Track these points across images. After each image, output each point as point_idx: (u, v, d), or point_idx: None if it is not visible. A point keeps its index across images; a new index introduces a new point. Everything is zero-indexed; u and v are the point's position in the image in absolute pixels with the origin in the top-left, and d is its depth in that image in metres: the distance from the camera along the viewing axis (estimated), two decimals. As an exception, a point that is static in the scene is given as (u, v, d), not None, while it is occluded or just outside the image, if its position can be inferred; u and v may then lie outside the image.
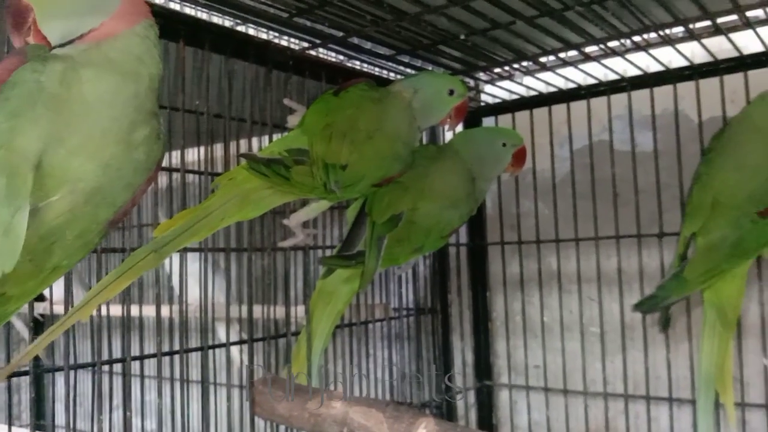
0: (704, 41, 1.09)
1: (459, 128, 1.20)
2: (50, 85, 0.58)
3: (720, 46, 1.12)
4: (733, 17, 1.03)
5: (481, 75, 1.30)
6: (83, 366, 0.99)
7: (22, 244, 0.56)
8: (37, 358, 0.89)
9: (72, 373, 0.89)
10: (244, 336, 1.11)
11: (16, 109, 0.57)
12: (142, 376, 1.15)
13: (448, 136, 1.28)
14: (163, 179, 0.98)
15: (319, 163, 0.92)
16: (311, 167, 0.92)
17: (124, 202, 0.65)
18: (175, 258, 0.93)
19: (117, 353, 1.00)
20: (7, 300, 0.64)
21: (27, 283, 0.64)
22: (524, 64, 1.22)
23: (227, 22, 1.04)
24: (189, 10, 0.98)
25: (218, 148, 1.03)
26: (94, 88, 0.60)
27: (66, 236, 0.62)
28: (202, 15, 1.00)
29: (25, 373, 0.86)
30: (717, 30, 1.06)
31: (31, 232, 0.57)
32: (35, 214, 0.58)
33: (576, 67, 1.21)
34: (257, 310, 1.04)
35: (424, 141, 1.41)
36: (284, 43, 1.11)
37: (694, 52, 1.15)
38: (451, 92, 1.03)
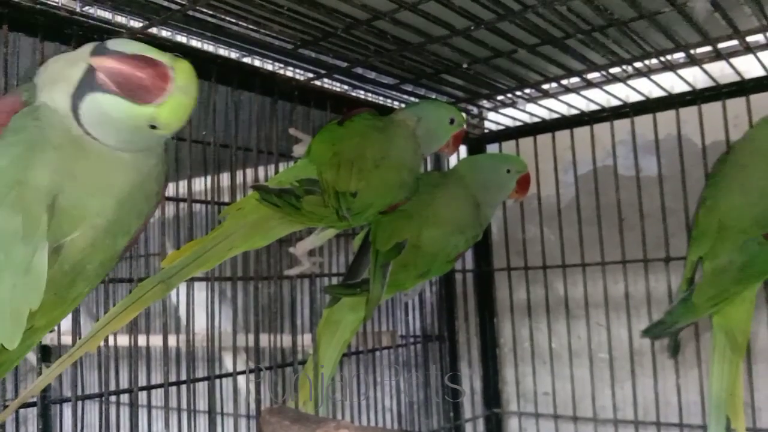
0: (706, 66, 1.10)
1: (462, 154, 1.20)
2: (50, 132, 0.59)
3: (722, 71, 1.13)
4: (734, 42, 1.04)
5: (484, 102, 1.32)
6: (91, 397, 0.99)
7: (45, 281, 0.57)
8: (45, 389, 0.89)
9: (80, 403, 0.89)
10: (251, 365, 1.11)
11: (24, 152, 0.58)
12: (149, 407, 1.14)
13: (452, 162, 1.28)
14: (170, 209, 0.99)
15: (330, 191, 0.92)
16: (323, 196, 0.92)
17: (137, 229, 0.68)
18: (182, 287, 0.93)
19: (124, 384, 0.99)
20: (35, 331, 0.66)
21: (52, 313, 0.66)
22: (527, 91, 1.23)
23: (233, 54, 1.05)
24: (195, 43, 0.99)
25: (225, 178, 1.04)
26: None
27: (87, 268, 0.64)
28: (209, 47, 1.02)
29: (33, 405, 0.86)
30: (718, 55, 1.07)
31: (57, 268, 0.60)
32: (59, 250, 0.60)
33: (578, 94, 1.22)
34: (264, 339, 1.04)
35: (429, 168, 1.42)
36: (289, 74, 1.13)
37: (696, 77, 1.16)
38: (452, 121, 1.05)
